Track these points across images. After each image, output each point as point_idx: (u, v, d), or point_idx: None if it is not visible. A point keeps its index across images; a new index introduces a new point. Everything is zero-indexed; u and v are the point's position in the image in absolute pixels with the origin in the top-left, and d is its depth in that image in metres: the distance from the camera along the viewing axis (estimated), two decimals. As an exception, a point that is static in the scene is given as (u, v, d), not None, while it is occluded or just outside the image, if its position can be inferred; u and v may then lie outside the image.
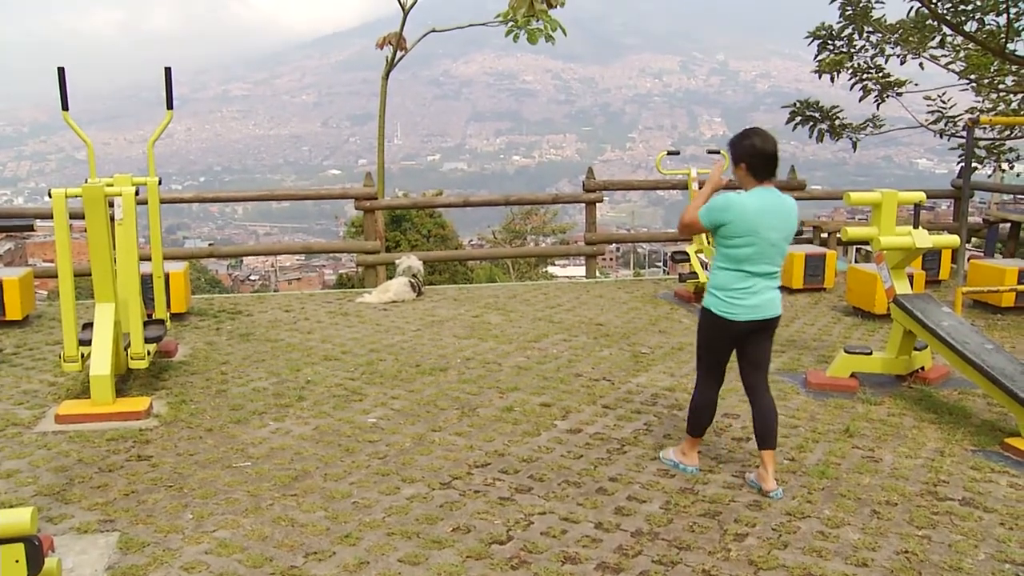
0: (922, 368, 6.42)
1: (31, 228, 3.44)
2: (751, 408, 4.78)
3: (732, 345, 4.70)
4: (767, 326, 4.60)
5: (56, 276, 8.41)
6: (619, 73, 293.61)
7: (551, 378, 6.51)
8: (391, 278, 9.76)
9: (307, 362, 6.88)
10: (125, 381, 6.22)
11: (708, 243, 8.96)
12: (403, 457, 4.93)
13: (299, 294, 10.02)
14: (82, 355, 5.68)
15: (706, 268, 9.38)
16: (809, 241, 11.81)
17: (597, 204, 11.22)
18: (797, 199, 11.24)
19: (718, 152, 9.62)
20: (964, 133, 13.06)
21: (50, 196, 5.44)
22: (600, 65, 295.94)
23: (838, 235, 11.59)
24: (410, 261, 9.62)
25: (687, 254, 9.18)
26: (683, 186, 9.50)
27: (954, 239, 6.31)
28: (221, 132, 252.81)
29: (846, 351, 6.34)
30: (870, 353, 6.30)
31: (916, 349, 6.31)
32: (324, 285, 66.25)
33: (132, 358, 5.78)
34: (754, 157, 4.45)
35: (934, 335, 5.79)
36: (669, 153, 9.17)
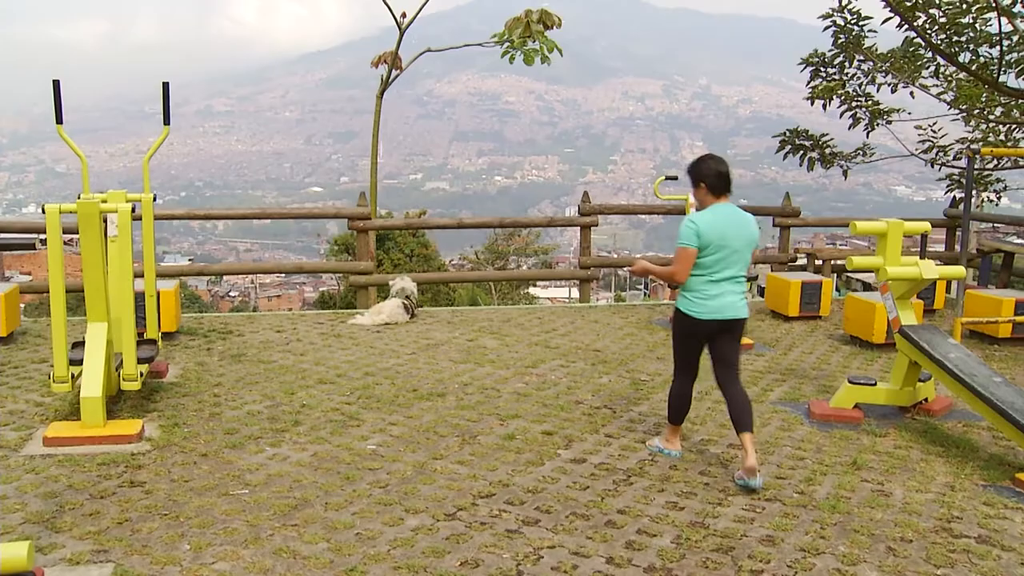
0: (926, 399, 6.36)
1: (32, 247, 3.31)
2: (725, 400, 5.25)
3: (702, 342, 5.24)
4: (732, 327, 5.15)
5: (38, 291, 8.29)
6: (602, 96, 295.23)
7: (551, 405, 6.40)
8: (383, 299, 9.63)
9: (302, 385, 6.74)
10: (116, 403, 6.05)
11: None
12: (405, 486, 4.80)
13: (290, 314, 9.87)
14: (72, 375, 5.52)
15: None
16: (803, 268, 11.79)
17: (592, 228, 11.15)
18: (791, 226, 11.19)
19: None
20: (955, 162, 13.16)
21: (43, 212, 5.29)
22: (583, 87, 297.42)
23: (833, 262, 11.57)
24: (404, 283, 9.49)
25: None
26: (680, 211, 9.43)
27: (960, 270, 6.27)
28: (203, 147, 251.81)
29: (850, 381, 6.27)
30: (874, 384, 6.22)
31: (920, 380, 6.25)
32: (304, 303, 65.97)
33: (124, 379, 5.62)
34: (712, 177, 5.09)
35: (941, 367, 5.73)
36: (667, 178, 9.10)
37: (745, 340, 8.40)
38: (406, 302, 9.26)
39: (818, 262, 11.57)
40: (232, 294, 71.23)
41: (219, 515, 4.38)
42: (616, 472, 5.13)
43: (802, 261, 12.19)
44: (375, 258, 10.77)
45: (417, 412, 6.14)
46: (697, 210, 5.20)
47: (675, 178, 9.18)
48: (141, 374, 5.74)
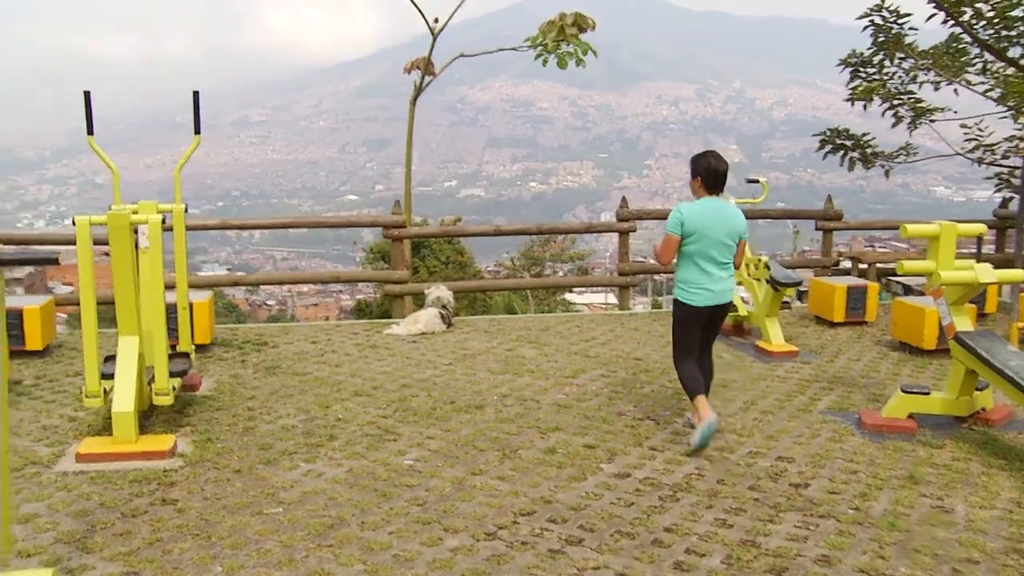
0: (983, 409, 6.09)
1: (56, 262, 3.20)
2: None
3: (700, 325, 5.76)
4: (722, 311, 5.78)
5: (77, 304, 8.25)
6: (635, 100, 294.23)
7: (593, 417, 6.21)
8: (419, 308, 9.49)
9: (337, 398, 6.61)
10: (148, 417, 5.96)
11: (747, 276, 8.66)
12: (444, 504, 4.64)
13: (324, 324, 9.76)
14: (104, 390, 5.43)
15: (746, 302, 9.08)
16: (847, 272, 11.50)
17: (630, 233, 10.93)
18: (833, 229, 10.91)
19: (757, 181, 9.34)
20: (1003, 161, 12.80)
21: (74, 224, 5.21)
22: (616, 92, 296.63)
23: (878, 265, 11.27)
24: (440, 292, 9.34)
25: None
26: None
27: (1019, 273, 6.01)
28: (239, 157, 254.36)
29: (903, 390, 6.02)
30: (928, 393, 5.97)
31: (977, 389, 5.99)
32: (341, 311, 66.23)
33: (156, 394, 5.52)
34: (707, 172, 5.64)
35: (1001, 375, 5.47)
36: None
37: (790, 347, 8.18)
38: (442, 311, 9.12)
39: (862, 266, 11.28)
40: (269, 303, 71.64)
41: (252, 535, 4.25)
42: (662, 487, 4.94)
43: (845, 265, 11.90)
44: (410, 266, 10.64)
45: (455, 425, 5.98)
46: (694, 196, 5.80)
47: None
48: (173, 388, 5.64)
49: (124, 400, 5.24)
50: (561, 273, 38.96)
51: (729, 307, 5.79)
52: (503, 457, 5.39)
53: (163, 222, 5.42)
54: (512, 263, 39.28)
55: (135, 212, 6.02)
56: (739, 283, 8.86)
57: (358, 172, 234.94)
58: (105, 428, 5.66)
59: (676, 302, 5.76)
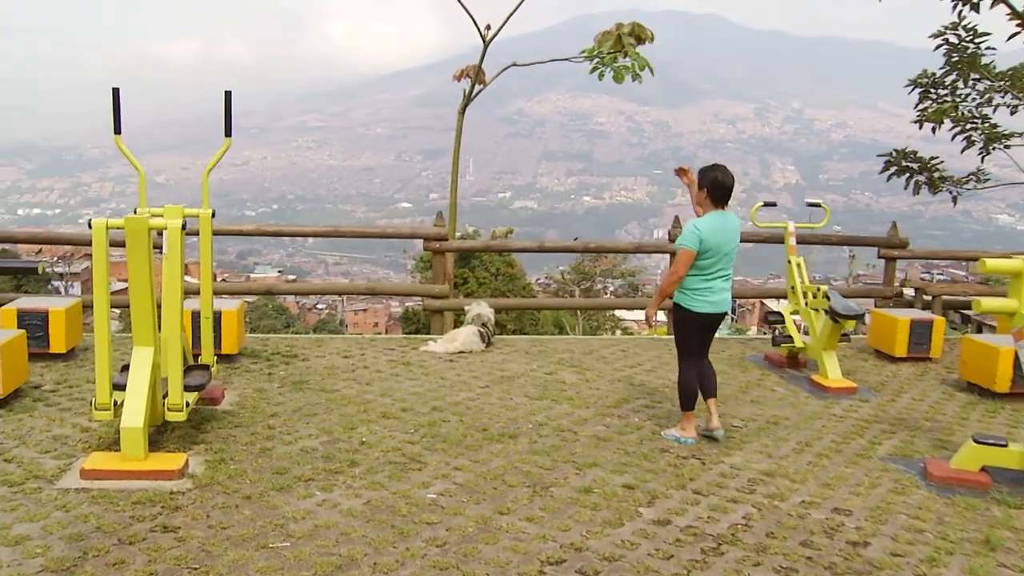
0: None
1: (35, 271, 2.89)
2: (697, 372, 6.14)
3: (702, 332, 6.04)
4: (720, 319, 6.00)
5: (120, 306, 8.05)
6: (692, 117, 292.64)
7: (633, 453, 5.78)
8: (459, 325, 9.12)
9: (363, 419, 6.25)
10: (162, 432, 5.65)
11: (805, 304, 8.16)
12: (465, 546, 4.24)
13: (359, 338, 9.41)
14: (115, 402, 5.12)
15: (804, 332, 8.59)
16: (910, 304, 10.90)
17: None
18: (897, 258, 10.35)
19: (819, 205, 8.85)
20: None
21: (90, 226, 4.92)
22: (673, 109, 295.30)
23: (944, 297, 10.66)
24: (480, 309, 8.96)
25: (781, 315, 8.38)
26: (778, 239, 8.69)
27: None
28: (296, 161, 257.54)
29: (976, 440, 5.49)
30: (1005, 445, 5.44)
31: (1059, 442, 5.45)
32: (390, 317, 66.35)
33: (169, 409, 5.20)
34: (714, 186, 5.79)
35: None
36: (765, 204, 8.39)
37: (848, 383, 7.67)
38: (482, 330, 8.72)
39: (927, 297, 10.67)
40: (320, 306, 71.96)
41: (253, 572, 3.89)
42: (705, 538, 4.49)
43: (908, 294, 11.29)
44: (453, 279, 10.27)
45: (485, 456, 5.58)
46: (697, 207, 6.00)
47: (773, 204, 8.50)
48: (188, 404, 5.31)
49: (134, 415, 4.93)
50: (612, 288, 38.45)
51: (725, 315, 6.05)
52: (533, 494, 4.98)
53: (184, 228, 5.09)
54: (562, 276, 38.92)
55: (159, 215, 5.74)
56: (795, 312, 8.37)
57: (413, 180, 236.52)
58: (116, 442, 5.35)
59: (678, 307, 6.00)
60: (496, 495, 4.94)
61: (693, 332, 6.05)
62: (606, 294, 39.37)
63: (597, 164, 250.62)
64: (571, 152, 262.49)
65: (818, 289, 7.95)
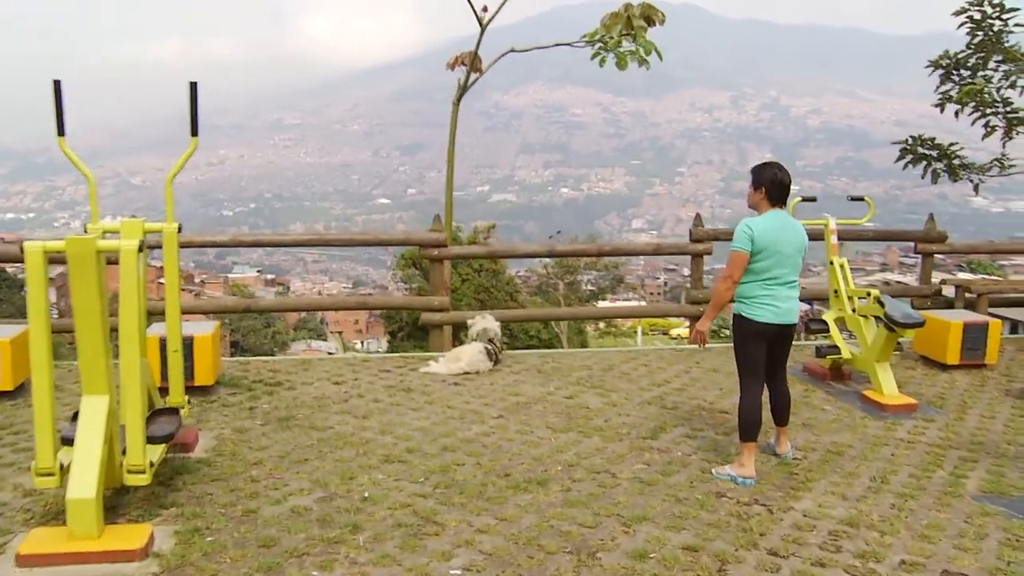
0: None
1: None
2: (769, 394, 5.56)
3: (764, 345, 5.33)
4: (789, 331, 5.38)
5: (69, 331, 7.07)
6: (669, 107, 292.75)
7: (686, 500, 4.86)
8: (463, 341, 8.18)
9: (363, 465, 5.29)
10: (122, 493, 4.67)
11: (852, 311, 7.28)
12: (507, 653, 3.31)
13: (350, 359, 8.43)
14: (61, 465, 4.14)
15: (850, 339, 7.70)
16: (950, 305, 10.03)
17: (705, 256, 9.52)
18: (935, 252, 9.46)
19: (862, 199, 7.97)
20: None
21: (22, 251, 3.95)
22: (651, 99, 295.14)
23: (990, 296, 9.79)
24: (486, 323, 8.00)
25: (826, 323, 7.47)
26: (817, 236, 7.75)
27: None
28: (273, 159, 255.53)
29: (1094, 477, 4.62)
30: None
31: None
32: (371, 315, 65.38)
33: (128, 471, 4.23)
34: (773, 185, 5.26)
35: None
36: (804, 199, 7.49)
37: (906, 399, 6.79)
38: (489, 346, 7.78)
39: (969, 295, 9.81)
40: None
41: None
42: (801, 624, 3.58)
43: (947, 293, 10.43)
44: (449, 287, 9.33)
45: (513, 511, 4.64)
46: (750, 209, 5.42)
47: (813, 199, 7.60)
48: (152, 463, 4.34)
49: (83, 484, 3.96)
50: (588, 278, 37.84)
51: (795, 327, 5.40)
52: (578, 564, 4.05)
53: (140, 250, 4.13)
54: (545, 269, 38.08)
55: (112, 232, 4.78)
56: (838, 319, 7.49)
57: (390, 176, 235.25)
58: (64, 512, 4.38)
59: (738, 318, 5.37)
60: (534, 567, 4.01)
61: (756, 345, 5.34)
62: (589, 287, 38.77)
63: (575, 155, 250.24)
64: (548, 144, 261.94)
65: (868, 293, 7.07)
